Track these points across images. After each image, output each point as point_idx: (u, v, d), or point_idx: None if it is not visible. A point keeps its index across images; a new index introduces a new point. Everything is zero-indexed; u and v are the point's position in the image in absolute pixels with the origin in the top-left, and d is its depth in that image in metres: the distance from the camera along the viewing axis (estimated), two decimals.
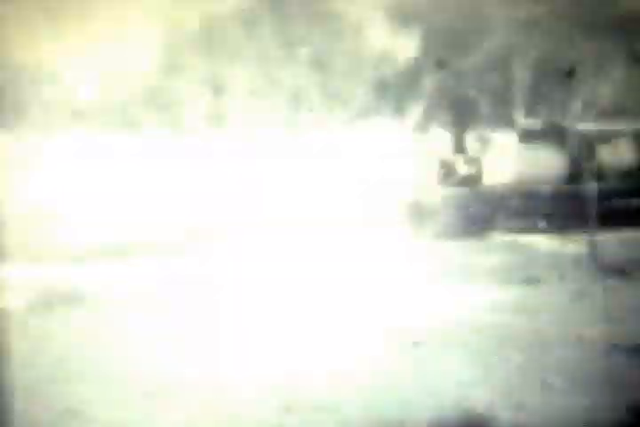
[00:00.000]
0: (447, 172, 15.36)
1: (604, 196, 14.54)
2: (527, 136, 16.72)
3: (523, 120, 18.09)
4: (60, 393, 6.74)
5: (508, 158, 15.86)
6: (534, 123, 17.42)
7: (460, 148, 15.74)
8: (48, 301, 10.04)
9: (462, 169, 15.18)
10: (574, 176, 15.67)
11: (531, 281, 11.13)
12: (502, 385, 6.87)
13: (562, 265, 12.18)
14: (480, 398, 6.56)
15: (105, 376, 7.17)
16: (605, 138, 16.22)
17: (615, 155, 16.32)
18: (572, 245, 14.01)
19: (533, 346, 7.99)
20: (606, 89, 19.51)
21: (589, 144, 16.08)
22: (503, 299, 10.20)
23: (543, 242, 14.40)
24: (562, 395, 6.70)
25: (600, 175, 15.86)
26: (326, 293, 10.58)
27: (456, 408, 6.38)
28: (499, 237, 14.95)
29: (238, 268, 11.94)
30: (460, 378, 7.05)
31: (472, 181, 14.77)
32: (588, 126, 17.16)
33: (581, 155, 15.90)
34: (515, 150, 16.50)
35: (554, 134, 16.36)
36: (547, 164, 15.73)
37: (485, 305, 9.84)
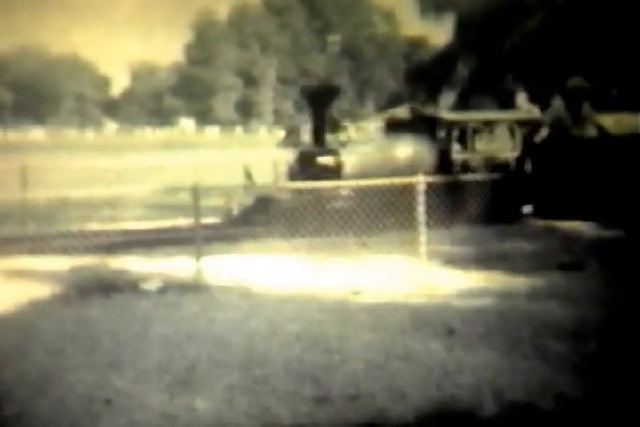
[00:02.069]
0: (306, 163, 14.84)
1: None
2: (394, 126, 16.35)
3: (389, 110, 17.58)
4: (94, 382, 6.76)
5: (370, 149, 15.45)
6: (402, 111, 17.02)
7: (319, 139, 15.18)
8: (85, 289, 10.09)
9: (322, 161, 14.75)
10: (444, 167, 15.28)
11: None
12: (539, 374, 6.79)
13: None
14: (517, 388, 6.49)
15: (139, 365, 7.18)
16: (480, 128, 15.84)
17: (491, 145, 15.89)
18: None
19: (571, 334, 7.90)
20: None
21: (463, 134, 15.68)
22: (540, 285, 10.17)
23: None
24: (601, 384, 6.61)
25: (470, 166, 15.50)
26: (352, 279, 10.59)
27: (492, 397, 6.34)
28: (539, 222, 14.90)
29: None
30: (497, 367, 6.98)
31: (332, 172, 14.24)
32: (459, 116, 16.76)
33: (450, 145, 15.56)
34: (379, 141, 16.11)
35: (422, 124, 15.92)
36: (413, 154, 15.32)
37: (522, 291, 9.82)
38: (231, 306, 9.25)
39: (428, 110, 17.39)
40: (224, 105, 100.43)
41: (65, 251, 11.80)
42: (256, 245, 12.57)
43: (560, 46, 24.37)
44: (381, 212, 13.56)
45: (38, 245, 12.25)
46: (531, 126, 16.36)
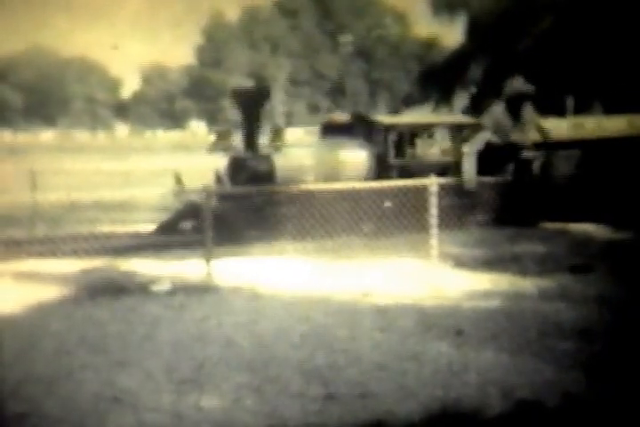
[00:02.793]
0: (237, 169, 14.59)
1: None
2: (330, 130, 16.04)
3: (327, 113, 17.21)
4: (103, 381, 6.78)
5: (307, 154, 15.18)
6: (340, 115, 16.72)
7: (251, 144, 14.91)
8: (95, 291, 10.11)
9: (254, 166, 14.45)
10: (382, 171, 14.96)
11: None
12: (548, 374, 6.79)
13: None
14: (526, 388, 6.49)
15: (146, 364, 7.20)
16: (418, 131, 15.56)
17: (431, 149, 15.63)
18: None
19: (580, 335, 7.88)
20: None
21: (401, 137, 15.38)
22: (550, 287, 10.16)
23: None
24: (610, 384, 6.61)
25: (414, 170, 15.01)
26: (362, 281, 10.58)
27: (500, 397, 6.33)
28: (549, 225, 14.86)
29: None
30: (505, 367, 6.99)
31: (264, 178, 13.97)
32: (396, 119, 16.45)
33: (388, 149, 15.22)
34: (314, 145, 15.79)
35: (360, 128, 15.54)
36: (349, 159, 15.03)
37: (532, 293, 9.81)
38: (240, 308, 9.27)
39: (366, 114, 17.05)
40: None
41: (75, 253, 11.82)
42: (266, 248, 12.57)
43: (571, 48, 24.32)
44: (393, 214, 13.54)
45: (48, 247, 12.27)
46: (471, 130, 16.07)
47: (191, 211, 13.78)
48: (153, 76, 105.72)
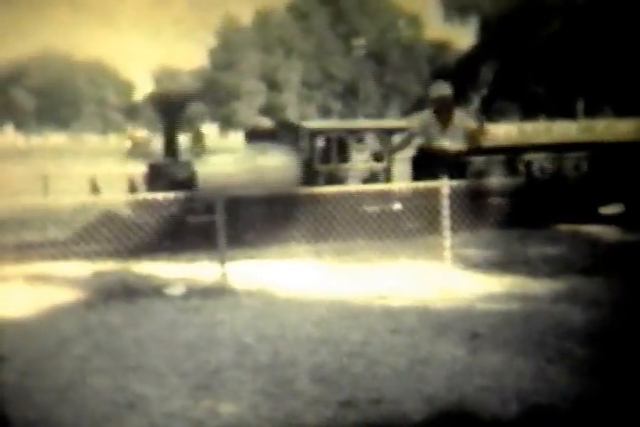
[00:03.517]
0: (155, 176, 14.15)
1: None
2: (255, 135, 15.59)
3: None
4: (117, 386, 6.80)
5: (230, 160, 14.76)
6: (265, 121, 16.29)
7: (170, 150, 14.42)
8: (109, 294, 10.13)
9: (172, 173, 13.98)
10: (308, 178, 14.54)
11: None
12: (562, 378, 6.78)
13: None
14: (540, 391, 6.48)
15: (160, 369, 7.21)
16: (346, 137, 15.01)
17: (359, 154, 15.09)
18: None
19: (593, 338, 7.87)
20: None
21: (328, 143, 14.86)
22: (562, 289, 10.15)
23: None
24: (624, 388, 6.58)
25: (341, 176, 14.76)
26: (376, 283, 10.58)
27: (515, 401, 6.33)
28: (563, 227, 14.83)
29: None
30: (520, 371, 6.98)
31: (183, 185, 13.39)
32: (323, 124, 15.94)
33: (314, 155, 14.73)
34: (242, 151, 15.35)
35: (285, 133, 15.17)
36: (273, 165, 14.52)
37: (544, 295, 9.80)
38: (255, 311, 9.27)
39: (292, 119, 16.59)
40: (248, 110, 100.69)
41: (87, 256, 11.85)
42: (279, 250, 12.59)
43: (581, 50, 24.28)
44: (405, 216, 13.52)
45: (60, 250, 12.29)
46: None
47: (106, 220, 13.32)
48: (164, 78, 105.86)
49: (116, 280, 10.81)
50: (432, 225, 12.34)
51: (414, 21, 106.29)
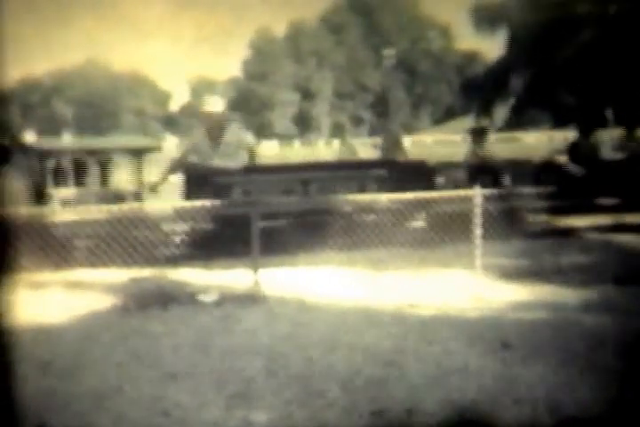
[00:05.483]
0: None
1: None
2: None
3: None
4: (153, 394, 6.85)
5: None
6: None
7: None
8: (144, 301, 10.22)
9: None
10: (40, 201, 13.42)
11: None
12: (596, 391, 6.73)
13: None
14: (572, 404, 6.46)
15: (195, 377, 7.26)
16: (84, 158, 14.09)
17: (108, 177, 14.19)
18: None
19: (626, 349, 7.85)
20: None
21: (60, 164, 13.98)
22: (595, 299, 10.13)
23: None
24: None
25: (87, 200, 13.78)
26: (408, 291, 10.61)
27: (547, 413, 6.32)
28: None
29: None
30: (551, 382, 6.95)
31: None
32: (55, 143, 14.73)
33: (45, 178, 13.73)
34: None
35: (17, 154, 13.77)
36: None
37: (576, 305, 9.79)
38: (288, 318, 9.31)
39: (23, 139, 15.15)
40: (282, 119, 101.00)
41: (124, 262, 11.94)
42: (311, 258, 12.62)
43: (611, 60, 24.17)
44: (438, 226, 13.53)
45: (98, 256, 12.39)
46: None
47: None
48: (201, 89, 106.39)
49: (152, 287, 10.91)
50: (465, 234, 12.32)
51: (445, 33, 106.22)
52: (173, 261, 12.11)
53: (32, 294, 10.29)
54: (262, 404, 6.59)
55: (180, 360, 7.74)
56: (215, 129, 14.46)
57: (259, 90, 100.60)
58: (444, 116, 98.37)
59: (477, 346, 8.05)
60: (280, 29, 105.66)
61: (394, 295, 10.33)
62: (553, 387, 6.82)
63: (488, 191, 12.30)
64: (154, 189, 14.31)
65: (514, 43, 28.42)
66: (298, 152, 73.42)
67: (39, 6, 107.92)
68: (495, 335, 8.40)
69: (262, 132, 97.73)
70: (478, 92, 30.71)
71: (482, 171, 15.89)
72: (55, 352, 8.00)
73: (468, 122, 37.16)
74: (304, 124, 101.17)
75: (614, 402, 6.46)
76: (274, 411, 6.45)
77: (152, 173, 14.90)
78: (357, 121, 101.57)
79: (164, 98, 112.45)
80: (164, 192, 14.33)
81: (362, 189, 14.27)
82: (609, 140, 20.71)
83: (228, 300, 10.23)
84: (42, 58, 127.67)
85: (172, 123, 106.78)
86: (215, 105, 14.85)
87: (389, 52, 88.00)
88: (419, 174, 14.88)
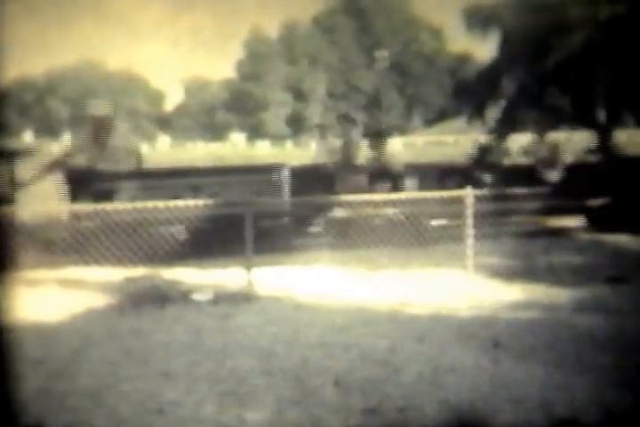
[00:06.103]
0: None
1: None
2: None
3: None
4: (147, 392, 6.87)
5: None
6: None
7: None
8: (138, 299, 10.23)
9: None
10: None
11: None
12: (586, 390, 6.77)
13: None
14: (564, 403, 6.49)
15: (189, 375, 7.28)
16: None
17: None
18: None
19: (618, 348, 7.88)
20: None
21: None
22: (586, 298, 10.17)
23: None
24: None
25: None
26: (400, 290, 10.65)
27: (539, 413, 6.35)
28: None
29: None
30: (543, 382, 6.99)
31: None
32: None
33: None
34: None
35: None
36: None
37: (568, 305, 9.83)
38: (281, 317, 9.35)
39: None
40: (275, 120, 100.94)
41: (118, 261, 11.94)
42: (304, 257, 12.65)
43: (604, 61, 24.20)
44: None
45: (91, 255, 12.39)
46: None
47: None
48: (194, 89, 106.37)
49: (147, 286, 10.93)
50: (456, 233, 12.36)
51: (437, 34, 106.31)
52: (168, 260, 12.09)
53: (27, 292, 10.29)
54: (256, 402, 6.62)
55: (175, 359, 7.76)
56: (100, 132, 14.22)
57: (252, 90, 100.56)
58: (437, 117, 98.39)
59: (470, 345, 8.08)
60: (273, 31, 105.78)
61: (387, 295, 10.37)
62: (545, 386, 6.85)
63: (480, 192, 12.34)
64: (22, 187, 13.47)
65: (506, 45, 28.46)
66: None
67: (38, 8, 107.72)
68: (488, 335, 8.44)
69: (256, 132, 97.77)
70: (470, 93, 30.70)
71: (381, 176, 15.93)
72: (50, 350, 8.00)
73: (461, 123, 37.33)
74: (297, 125, 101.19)
75: (606, 402, 6.46)
76: (267, 409, 6.48)
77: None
78: (350, 122, 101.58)
79: (156, 97, 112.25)
80: (41, 194, 13.42)
81: (258, 195, 13.63)
82: (527, 144, 20.60)
83: (222, 299, 10.26)
84: (39, 58, 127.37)
85: (165, 123, 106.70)
86: (101, 108, 14.64)
87: (382, 54, 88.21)
88: (318, 179, 14.93)
